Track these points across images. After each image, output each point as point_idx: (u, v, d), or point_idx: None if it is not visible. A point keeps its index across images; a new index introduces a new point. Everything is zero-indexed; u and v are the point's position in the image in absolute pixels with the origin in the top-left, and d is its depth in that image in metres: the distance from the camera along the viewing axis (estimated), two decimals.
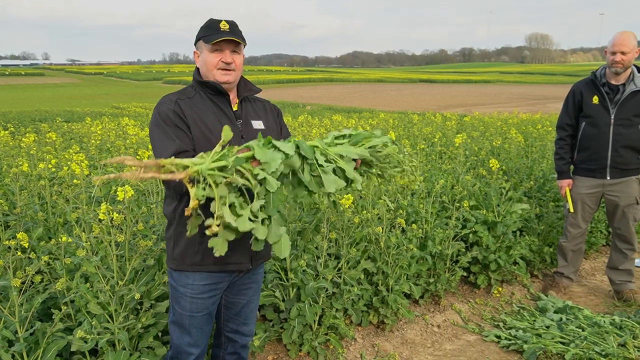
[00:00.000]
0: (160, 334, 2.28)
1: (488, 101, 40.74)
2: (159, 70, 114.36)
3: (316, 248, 3.10)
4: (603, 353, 2.97)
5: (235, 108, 2.07)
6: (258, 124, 2.11)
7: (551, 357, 3.03)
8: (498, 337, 3.36)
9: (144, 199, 3.50)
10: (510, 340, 3.30)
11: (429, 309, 3.76)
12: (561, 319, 3.50)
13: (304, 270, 2.99)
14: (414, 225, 3.53)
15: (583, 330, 3.27)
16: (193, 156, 1.76)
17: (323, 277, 3.00)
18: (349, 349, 3.19)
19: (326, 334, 3.05)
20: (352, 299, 3.21)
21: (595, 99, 3.67)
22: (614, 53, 3.51)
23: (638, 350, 3.00)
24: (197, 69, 2.07)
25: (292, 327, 2.94)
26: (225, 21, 1.99)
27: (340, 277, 3.19)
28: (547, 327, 3.39)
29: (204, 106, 2.00)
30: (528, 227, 4.48)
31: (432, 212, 3.87)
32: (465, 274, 3.98)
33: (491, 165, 4.21)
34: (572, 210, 3.81)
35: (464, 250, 3.89)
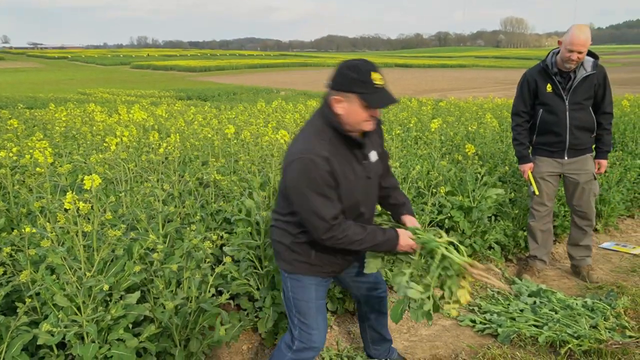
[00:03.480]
0: (130, 326, 2.26)
1: (464, 86, 41.14)
2: (127, 54, 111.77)
3: None
4: (575, 335, 3.06)
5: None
6: (374, 156, 2.23)
7: (525, 340, 3.11)
8: (473, 321, 3.44)
9: (112, 188, 3.43)
10: (485, 324, 3.38)
11: None
12: (535, 302, 3.59)
13: None
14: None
15: (556, 313, 3.37)
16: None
17: None
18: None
19: None
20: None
21: (549, 87, 3.77)
22: (571, 51, 3.57)
23: (609, 332, 3.10)
24: (332, 112, 2.04)
25: (267, 315, 2.94)
26: (375, 71, 1.97)
27: None
28: (521, 310, 3.48)
29: (344, 156, 2.07)
30: (503, 212, 4.57)
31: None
32: None
33: (467, 150, 4.27)
34: (537, 192, 3.93)
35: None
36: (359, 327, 2.85)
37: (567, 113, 3.75)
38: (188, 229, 2.59)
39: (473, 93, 22.58)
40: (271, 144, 3.97)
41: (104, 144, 3.64)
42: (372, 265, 2.31)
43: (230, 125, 4.09)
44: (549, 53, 3.84)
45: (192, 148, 4.81)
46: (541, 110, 3.84)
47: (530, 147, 4.02)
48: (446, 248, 2.17)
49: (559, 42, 3.69)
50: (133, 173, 3.46)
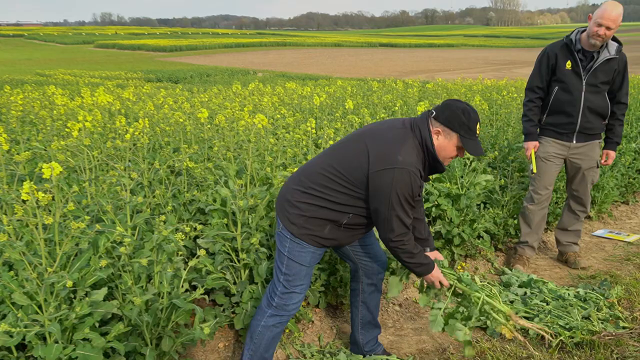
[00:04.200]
0: (97, 325, 2.24)
1: (452, 67, 41.34)
2: (90, 32, 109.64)
3: (269, 226, 3.09)
4: (567, 326, 3.13)
5: None
6: None
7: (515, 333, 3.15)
8: None
9: (75, 177, 3.38)
10: None
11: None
12: (525, 293, 3.66)
13: (256, 250, 2.99)
14: None
15: (547, 304, 3.44)
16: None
17: None
18: (306, 332, 3.23)
19: None
20: None
21: (569, 64, 3.82)
22: (599, 25, 3.62)
23: (602, 323, 3.18)
24: (430, 137, 2.36)
25: (245, 311, 2.94)
26: (479, 123, 2.37)
27: None
28: (511, 302, 3.54)
29: (424, 172, 2.42)
30: (492, 199, 4.62)
31: None
32: None
33: None
34: (535, 170, 4.00)
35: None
36: (350, 305, 2.91)
37: (583, 94, 3.82)
38: (158, 220, 2.56)
39: (461, 74, 22.71)
40: (248, 128, 3.94)
41: (66, 129, 3.57)
42: (395, 290, 2.72)
43: (204, 109, 4.03)
44: (574, 30, 3.89)
45: (163, 134, 4.75)
46: (557, 87, 3.89)
47: (538, 129, 4.08)
48: (487, 294, 2.54)
49: (589, 17, 3.74)
50: (98, 161, 3.41)
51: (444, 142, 2.36)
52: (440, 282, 2.56)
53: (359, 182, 2.34)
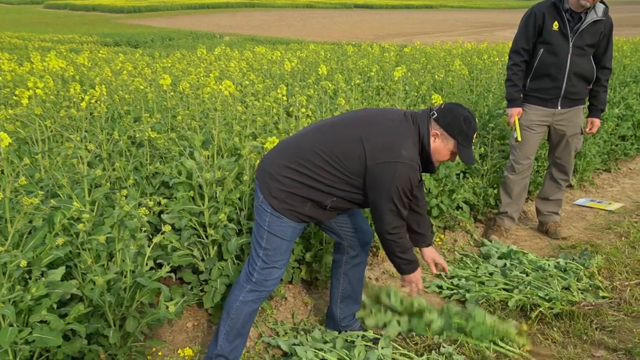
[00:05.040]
0: (55, 306, 2.22)
1: (430, 29, 41.30)
2: None
3: (239, 199, 3.08)
4: (547, 297, 3.23)
5: None
6: None
7: (494, 305, 3.25)
8: (440, 287, 3.56)
9: (27, 149, 3.31)
10: (452, 289, 3.51)
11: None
12: (505, 264, 3.75)
13: (225, 225, 2.98)
14: None
15: (527, 275, 3.53)
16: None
17: (247, 232, 3.01)
18: (279, 309, 3.27)
19: None
20: None
21: (556, 25, 3.85)
22: None
23: (582, 293, 3.29)
24: (428, 137, 2.43)
25: (214, 289, 2.95)
26: (476, 132, 2.47)
27: None
28: (491, 274, 3.63)
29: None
30: (471, 169, 4.68)
31: None
32: None
33: (434, 101, 4.30)
34: (519, 139, 4.05)
35: None
36: (331, 277, 2.95)
37: (569, 56, 3.86)
38: (119, 194, 2.53)
39: (441, 37, 22.72)
40: (214, 96, 3.89)
41: (14, 97, 3.47)
42: (371, 322, 2.89)
43: (166, 76, 3.96)
44: None
45: (122, 102, 4.66)
46: (542, 49, 3.92)
47: (522, 95, 4.12)
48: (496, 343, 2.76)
49: None
50: (51, 131, 3.33)
51: (440, 145, 2.46)
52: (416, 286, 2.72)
53: (355, 170, 2.39)
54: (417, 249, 2.81)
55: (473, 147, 2.51)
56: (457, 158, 2.54)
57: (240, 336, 2.62)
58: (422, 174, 2.55)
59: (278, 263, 2.55)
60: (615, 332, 2.98)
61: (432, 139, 2.44)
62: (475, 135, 2.46)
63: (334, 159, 2.39)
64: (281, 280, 3.32)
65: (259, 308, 3.09)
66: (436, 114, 2.44)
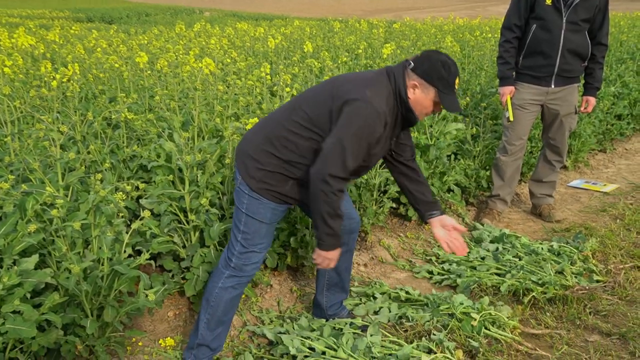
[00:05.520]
0: (29, 296, 2.21)
1: (421, 4, 41.14)
2: None
3: (221, 183, 3.08)
4: (540, 282, 3.27)
5: None
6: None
7: (486, 290, 3.29)
8: (430, 272, 3.60)
9: None
10: (443, 275, 3.55)
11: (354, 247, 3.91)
12: (497, 248, 3.79)
13: (207, 210, 2.98)
14: None
15: (520, 260, 3.58)
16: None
17: (230, 217, 3.01)
18: (264, 296, 3.28)
19: None
20: None
21: (549, 0, 3.84)
22: None
23: (575, 277, 3.34)
24: (405, 89, 2.36)
25: (196, 276, 2.95)
26: (458, 77, 2.37)
27: None
28: (483, 258, 3.67)
29: (390, 128, 2.41)
30: (463, 150, 4.71)
31: None
32: (394, 205, 4.15)
33: None
34: (511, 118, 4.07)
35: (392, 179, 4.02)
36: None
37: (563, 32, 3.87)
38: (94, 178, 2.51)
39: (431, 13, 22.65)
40: (194, 74, 3.86)
41: None
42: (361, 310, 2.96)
43: (143, 53, 3.92)
44: None
45: (96, 81, 4.62)
46: (535, 25, 3.93)
47: (515, 73, 4.14)
48: None
49: None
50: (21, 112, 3.29)
51: (421, 96, 2.37)
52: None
53: (323, 124, 2.33)
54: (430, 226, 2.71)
55: (457, 93, 2.39)
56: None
57: (222, 324, 2.62)
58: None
59: (257, 247, 2.54)
60: (609, 317, 3.04)
61: (410, 90, 2.36)
62: (457, 81, 2.37)
63: (304, 117, 2.36)
64: (266, 266, 3.33)
65: (243, 295, 3.11)
66: (413, 64, 2.36)
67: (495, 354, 2.67)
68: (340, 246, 2.49)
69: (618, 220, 4.34)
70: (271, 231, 2.59)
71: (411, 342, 2.74)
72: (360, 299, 3.25)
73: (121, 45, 6.13)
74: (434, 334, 2.78)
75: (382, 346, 2.68)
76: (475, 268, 3.56)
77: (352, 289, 3.35)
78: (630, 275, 3.40)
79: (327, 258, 2.48)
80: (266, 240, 2.58)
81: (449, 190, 4.40)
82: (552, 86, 4.03)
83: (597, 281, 3.34)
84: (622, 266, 3.50)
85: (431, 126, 4.25)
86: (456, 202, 4.39)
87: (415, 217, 4.25)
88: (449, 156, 4.43)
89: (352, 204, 2.87)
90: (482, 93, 5.31)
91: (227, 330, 2.69)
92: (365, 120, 2.25)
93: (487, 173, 4.60)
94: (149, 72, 4.23)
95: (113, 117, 3.52)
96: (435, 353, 2.59)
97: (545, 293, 3.18)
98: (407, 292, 3.25)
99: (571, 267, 3.45)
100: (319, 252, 2.47)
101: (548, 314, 3.06)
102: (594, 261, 3.55)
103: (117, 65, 4.57)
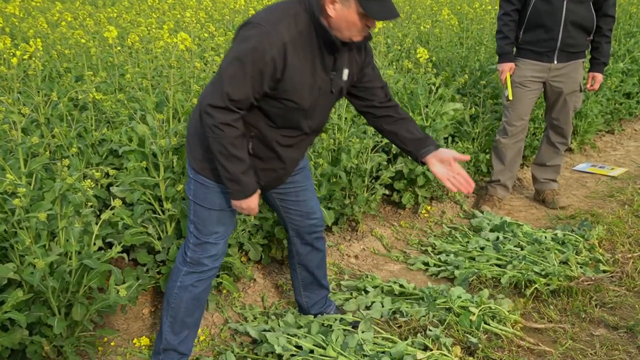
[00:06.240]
0: None
1: None
2: None
3: None
4: (543, 273, 3.30)
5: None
6: (345, 74, 2.38)
7: (486, 282, 3.32)
8: (426, 264, 3.62)
9: None
10: (439, 266, 3.57)
11: (344, 237, 3.93)
12: (498, 238, 3.82)
13: (183, 199, 2.97)
14: (323, 135, 3.58)
15: (522, 249, 3.60)
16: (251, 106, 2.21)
17: None
18: (247, 292, 3.28)
19: (217, 276, 3.10)
20: (249, 231, 3.26)
21: None
22: None
23: (581, 267, 3.37)
24: (320, 6, 2.15)
25: None
26: None
27: None
28: (482, 248, 3.69)
29: (309, 52, 2.20)
30: (461, 132, 4.72)
31: (346, 118, 3.93)
32: (387, 192, 4.16)
33: (419, 55, 4.31)
34: (511, 97, 4.09)
35: (385, 163, 4.03)
36: (289, 267, 2.97)
37: (565, 3, 3.87)
38: (60, 165, 2.49)
39: None
40: (168, 51, 3.82)
41: None
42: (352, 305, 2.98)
43: (112, 27, 3.87)
44: None
45: (61, 58, 4.57)
46: None
47: (515, 48, 4.15)
48: None
49: None
50: None
51: (344, 12, 2.14)
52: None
53: None
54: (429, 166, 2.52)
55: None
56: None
57: (187, 327, 2.58)
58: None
59: (212, 237, 2.48)
60: (616, 309, 3.07)
61: (329, 7, 2.14)
62: None
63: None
64: (249, 259, 3.34)
65: (223, 291, 3.12)
66: None
67: (495, 350, 2.69)
68: (250, 194, 2.32)
69: (626, 206, 4.38)
70: (227, 219, 2.51)
71: (405, 339, 2.75)
72: (351, 293, 3.26)
73: (88, 19, 6.04)
74: (430, 330, 2.80)
75: (374, 343, 2.69)
76: (474, 259, 3.58)
77: (342, 282, 3.37)
78: (638, 265, 3.44)
79: (242, 208, 2.37)
80: (221, 230, 2.50)
81: None
82: (555, 62, 4.04)
83: (604, 271, 3.38)
84: (630, 255, 3.54)
85: (426, 106, 4.26)
86: None
87: (409, 205, 4.26)
88: (445, 139, 4.44)
89: (317, 199, 2.81)
90: (481, 70, 5.32)
91: (195, 332, 2.66)
92: (252, 43, 2.09)
93: (487, 157, 4.62)
94: (118, 48, 4.18)
95: (80, 97, 3.49)
96: (432, 350, 2.61)
97: (548, 285, 3.21)
98: (401, 286, 3.27)
99: (576, 256, 3.48)
100: (232, 202, 2.37)
101: (551, 307, 3.09)
102: (600, 250, 3.58)
103: (83, 40, 4.52)
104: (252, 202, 2.36)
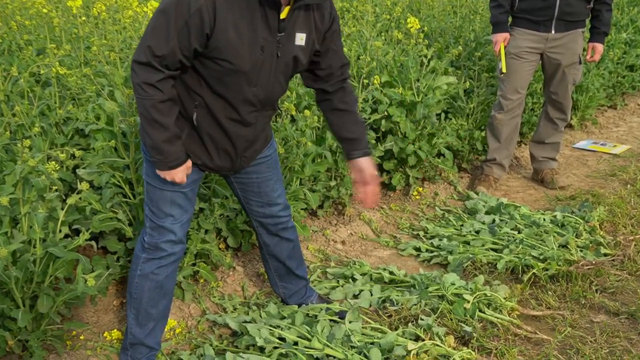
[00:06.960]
0: None
1: None
2: None
3: None
4: (541, 257, 3.34)
5: (283, 16, 2.19)
6: (300, 39, 2.30)
7: (481, 268, 3.35)
8: (417, 249, 3.64)
9: None
10: (432, 252, 3.59)
11: (330, 222, 3.94)
12: (494, 220, 3.85)
13: None
14: (307, 112, 3.57)
15: (519, 233, 3.64)
16: (180, 67, 2.17)
17: None
18: (226, 280, 3.29)
19: (193, 264, 3.10)
20: (227, 216, 3.25)
21: None
22: None
23: (581, 251, 3.41)
24: None
25: None
26: None
27: (208, 187, 3.19)
28: (477, 232, 3.72)
29: (246, 7, 2.12)
30: (455, 107, 4.73)
31: None
32: (376, 173, 4.16)
33: (409, 25, 4.29)
34: (504, 70, 4.10)
35: (374, 141, 4.04)
36: (262, 259, 2.99)
37: None
38: (22, 145, 2.48)
39: None
40: (137, 21, 3.78)
41: None
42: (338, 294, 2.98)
43: None
44: None
45: (21, 30, 4.51)
46: None
47: (510, 18, 4.15)
48: None
49: None
50: None
51: None
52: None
53: None
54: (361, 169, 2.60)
55: None
56: None
57: (152, 319, 2.56)
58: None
59: (167, 221, 2.45)
60: (618, 294, 3.12)
61: None
62: None
63: None
64: (227, 246, 3.34)
65: (200, 281, 3.11)
66: None
67: (490, 339, 2.72)
68: (173, 165, 2.28)
69: (629, 186, 4.43)
70: (180, 199, 2.45)
71: (396, 329, 2.78)
72: (338, 281, 3.28)
73: None
74: (421, 319, 2.82)
75: (362, 334, 2.71)
76: (468, 243, 3.61)
77: (328, 270, 3.39)
78: None
79: (166, 179, 2.34)
80: (176, 212, 2.46)
81: (439, 154, 4.42)
82: (553, 32, 4.05)
83: (605, 255, 3.42)
84: (632, 237, 3.58)
85: (418, 80, 4.25)
86: (447, 168, 4.42)
87: (400, 186, 4.28)
88: (438, 115, 4.44)
89: (283, 189, 2.80)
90: (476, 41, 5.32)
91: (164, 324, 2.66)
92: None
93: (483, 134, 4.64)
94: (83, 18, 4.14)
95: (42, 72, 3.46)
96: (423, 340, 2.63)
97: (547, 270, 3.25)
98: (391, 272, 3.29)
99: (576, 239, 3.52)
100: (161, 172, 2.32)
101: (550, 293, 3.13)
102: (601, 232, 3.63)
103: (45, 10, 4.46)
104: (177, 175, 2.31)
